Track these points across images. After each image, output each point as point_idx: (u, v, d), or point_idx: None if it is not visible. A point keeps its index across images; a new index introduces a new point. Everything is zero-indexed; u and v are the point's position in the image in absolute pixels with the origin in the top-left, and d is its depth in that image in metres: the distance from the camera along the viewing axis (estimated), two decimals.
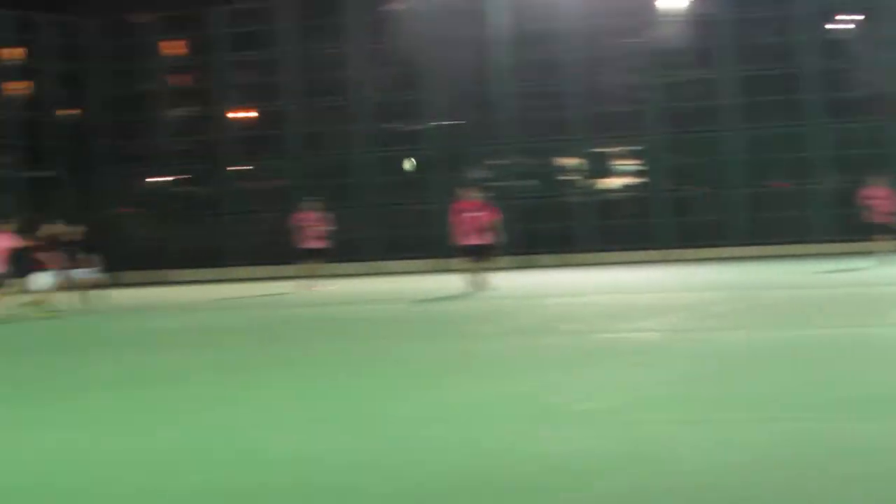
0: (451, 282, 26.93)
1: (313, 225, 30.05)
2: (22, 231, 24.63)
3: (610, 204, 40.58)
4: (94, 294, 26.24)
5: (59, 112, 44.27)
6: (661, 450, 7.67)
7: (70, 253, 25.76)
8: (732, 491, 6.55)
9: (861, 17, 38.95)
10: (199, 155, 43.56)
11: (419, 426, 9.13)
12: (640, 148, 40.53)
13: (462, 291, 25.15)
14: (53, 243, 25.48)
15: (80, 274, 26.12)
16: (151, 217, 44.57)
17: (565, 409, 9.50)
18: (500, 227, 26.38)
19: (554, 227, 39.77)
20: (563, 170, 41.48)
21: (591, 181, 40.91)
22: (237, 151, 43.31)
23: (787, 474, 6.84)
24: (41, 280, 24.67)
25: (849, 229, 33.69)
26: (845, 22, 39.16)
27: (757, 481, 6.69)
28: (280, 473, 7.54)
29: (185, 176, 44.71)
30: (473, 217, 26.00)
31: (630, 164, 41.37)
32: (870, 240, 29.79)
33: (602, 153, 40.85)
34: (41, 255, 25.26)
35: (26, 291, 25.29)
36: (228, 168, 43.48)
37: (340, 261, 34.34)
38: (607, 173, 41.22)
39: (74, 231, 26.43)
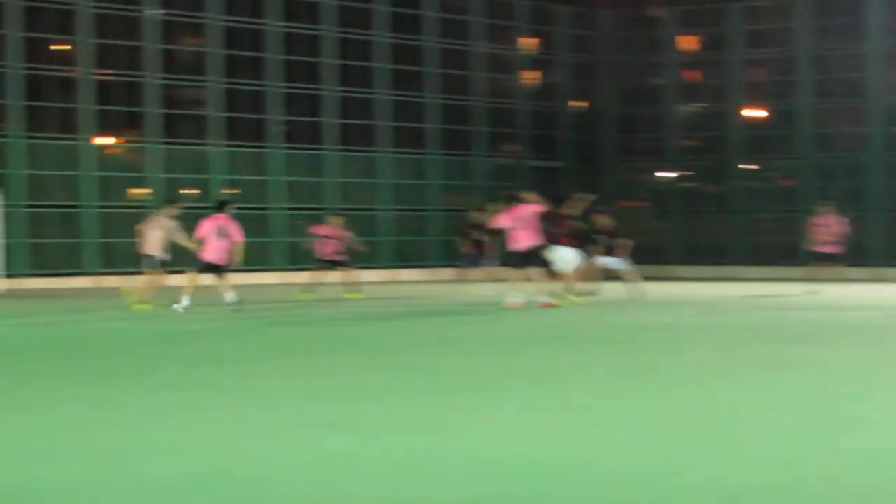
0: None
1: (829, 228, 28.90)
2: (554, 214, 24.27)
3: None
4: (630, 285, 25.94)
5: (569, 103, 44.98)
6: None
7: (606, 242, 25.60)
8: None
9: None
10: (707, 151, 43.09)
11: None
12: None
13: None
14: (580, 230, 25.23)
15: (613, 264, 25.94)
16: (655, 211, 44.45)
17: None
18: None
19: None
20: None
21: None
22: (746, 149, 42.46)
23: None
24: (567, 261, 24.21)
25: None
26: None
27: None
28: None
29: (691, 172, 44.32)
30: None
31: None
32: None
33: None
34: (566, 238, 24.84)
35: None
36: (736, 166, 42.74)
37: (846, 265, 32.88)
38: None
39: (606, 220, 26.11)
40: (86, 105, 34.58)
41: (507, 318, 20.91)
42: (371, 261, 35.22)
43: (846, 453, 7.73)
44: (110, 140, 36.14)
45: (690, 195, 43.86)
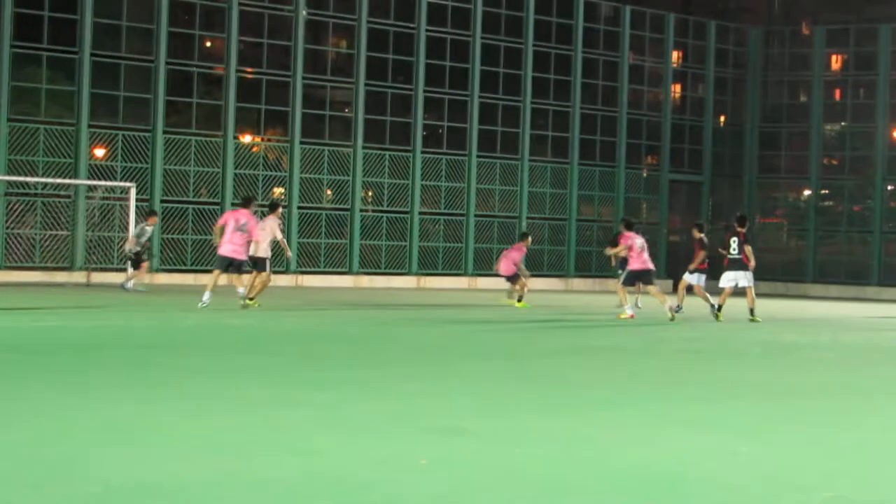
0: None
1: None
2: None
3: None
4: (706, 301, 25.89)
5: (714, 118, 45.14)
6: None
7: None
8: None
9: None
10: (850, 171, 43.09)
11: None
12: None
13: None
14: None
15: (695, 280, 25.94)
16: (794, 229, 44.57)
17: None
18: None
19: None
20: None
21: None
22: (889, 170, 42.36)
23: None
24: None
25: None
26: None
27: None
28: None
29: (831, 191, 44.28)
30: None
31: None
32: None
33: None
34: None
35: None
36: (878, 187, 42.52)
37: None
38: None
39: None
40: (228, 102, 34.94)
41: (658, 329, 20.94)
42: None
43: None
44: (252, 138, 36.26)
45: (829, 214, 43.81)
